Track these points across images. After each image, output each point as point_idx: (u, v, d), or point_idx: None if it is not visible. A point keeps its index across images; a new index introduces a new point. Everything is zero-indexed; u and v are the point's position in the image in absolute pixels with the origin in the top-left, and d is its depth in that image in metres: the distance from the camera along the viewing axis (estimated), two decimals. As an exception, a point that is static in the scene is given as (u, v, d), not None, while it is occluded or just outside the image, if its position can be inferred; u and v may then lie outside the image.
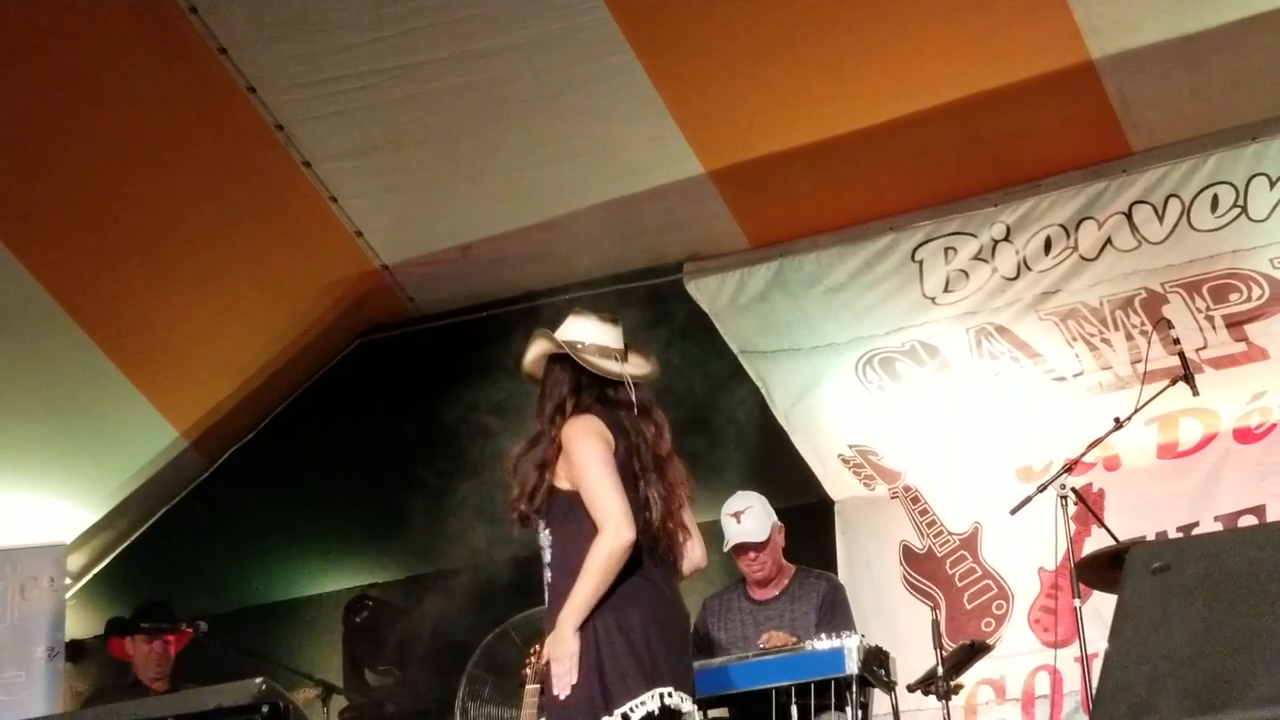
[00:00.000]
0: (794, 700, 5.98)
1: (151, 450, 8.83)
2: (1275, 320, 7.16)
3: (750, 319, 8.02)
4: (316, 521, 9.00)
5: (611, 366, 4.75)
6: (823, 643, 6.04)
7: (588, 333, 4.81)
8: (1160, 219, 7.12)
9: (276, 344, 8.76)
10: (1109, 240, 7.23)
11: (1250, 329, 7.20)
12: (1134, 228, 7.16)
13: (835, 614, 6.49)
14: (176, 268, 8.13)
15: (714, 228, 8.00)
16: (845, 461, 8.07)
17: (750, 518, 6.65)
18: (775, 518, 6.72)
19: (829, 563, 7.79)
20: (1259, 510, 7.15)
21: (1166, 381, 6.62)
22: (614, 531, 4.50)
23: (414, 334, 8.87)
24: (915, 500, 7.99)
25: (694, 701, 4.61)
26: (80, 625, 9.04)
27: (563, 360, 4.79)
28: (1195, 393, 6.56)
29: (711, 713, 6.28)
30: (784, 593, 6.67)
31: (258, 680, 3.50)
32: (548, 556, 4.71)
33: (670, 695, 4.47)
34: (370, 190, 8.07)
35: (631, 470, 4.65)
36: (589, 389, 4.75)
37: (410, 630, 8.27)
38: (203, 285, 8.25)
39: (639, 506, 4.61)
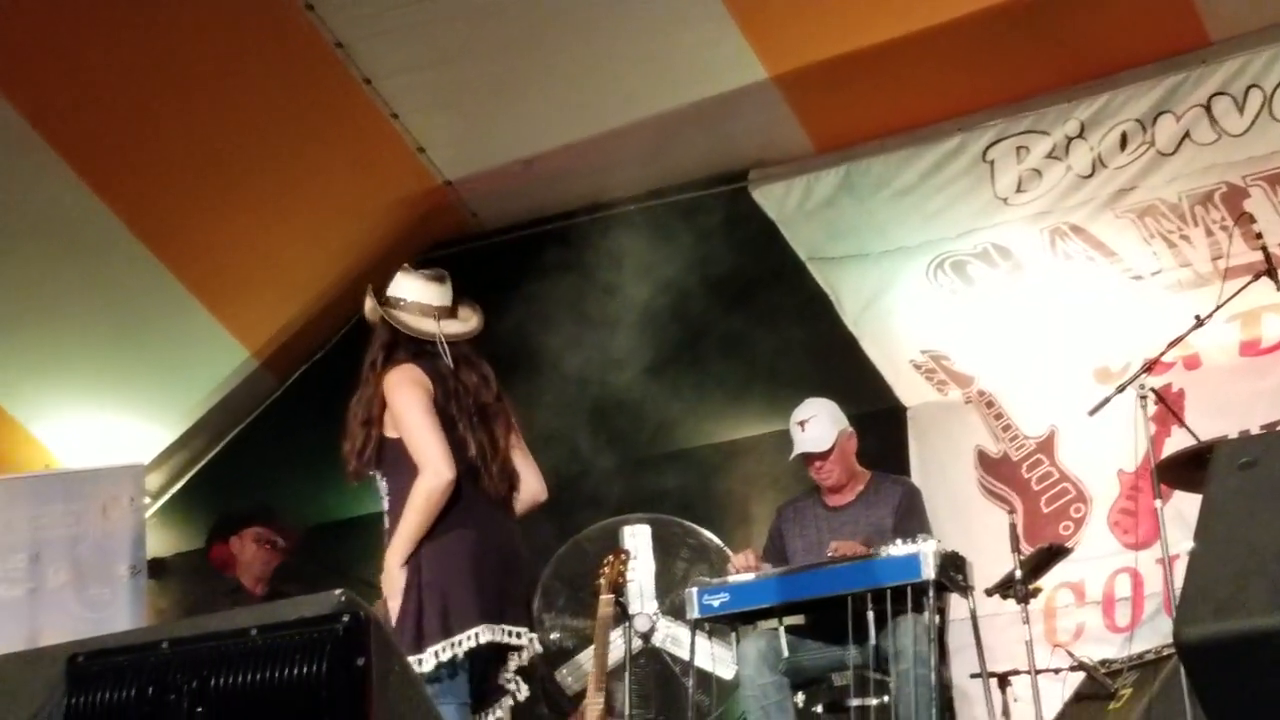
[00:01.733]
0: (870, 606, 5.97)
1: (223, 370, 8.90)
2: (1361, 209, 7.03)
3: (817, 225, 7.96)
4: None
5: (424, 325, 5.05)
6: (899, 548, 6.01)
7: (410, 290, 5.14)
8: (1240, 110, 6.97)
9: (342, 262, 8.77)
10: (1187, 134, 7.09)
11: (1336, 219, 7.06)
12: (1213, 120, 7.01)
13: (911, 519, 6.46)
14: (241, 189, 8.14)
15: (779, 134, 7.93)
16: (917, 367, 8.01)
17: (814, 426, 6.62)
18: (844, 424, 6.68)
19: (902, 468, 7.76)
20: (1346, 407, 7.06)
21: (1248, 277, 6.47)
22: (434, 472, 4.78)
23: (478, 249, 8.86)
24: (990, 404, 7.94)
25: (527, 633, 4.91)
26: (160, 543, 9.16)
27: (383, 318, 5.11)
28: (1279, 287, 6.45)
29: (788, 620, 6.28)
30: (859, 498, 6.64)
31: (337, 592, 3.50)
32: (385, 504, 4.99)
33: (488, 632, 4.74)
34: (431, 106, 8.05)
35: (450, 415, 4.92)
36: (405, 344, 5.07)
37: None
38: (268, 205, 8.27)
39: (460, 448, 4.87)
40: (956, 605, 6.39)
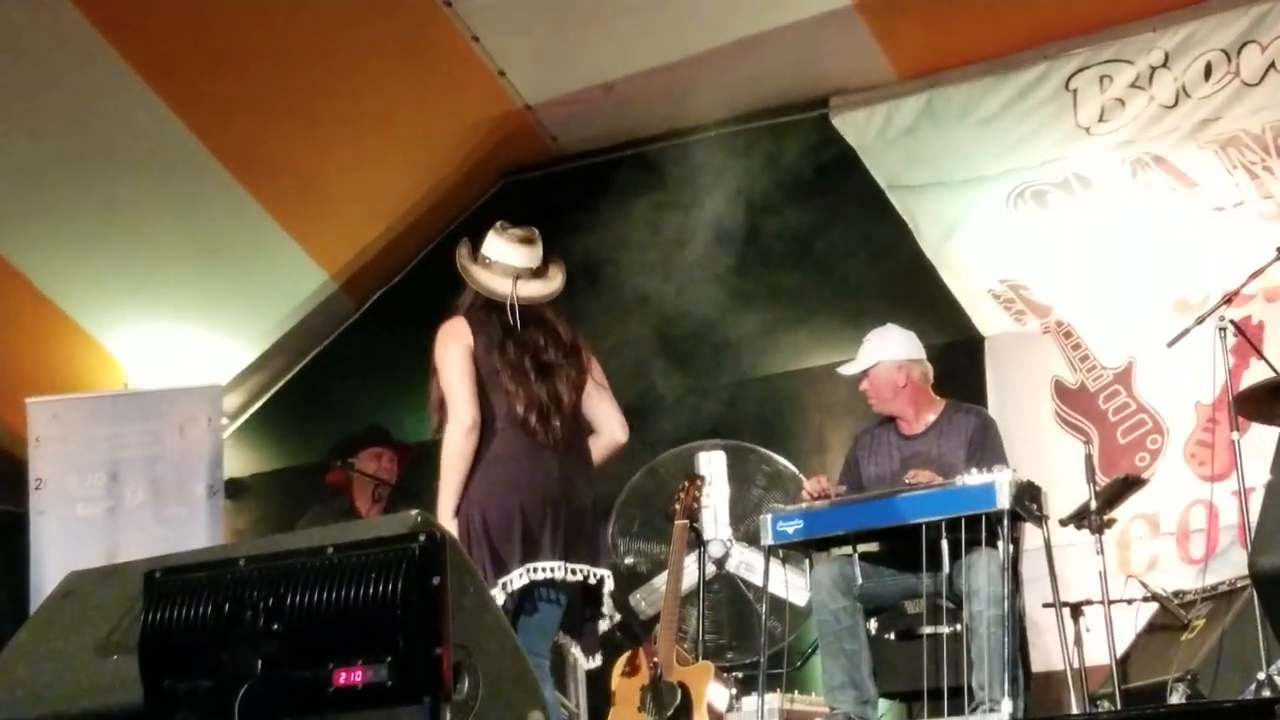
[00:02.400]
0: (944, 535, 5.96)
1: (302, 293, 8.98)
2: None
3: (898, 153, 7.91)
4: (465, 361, 9.10)
5: (498, 286, 5.15)
6: (974, 477, 5.99)
7: (497, 250, 5.21)
8: (1328, 39, 6.88)
9: (421, 186, 8.81)
10: (1272, 64, 6.98)
11: None
12: (1300, 50, 6.93)
13: (986, 449, 6.43)
14: (320, 111, 8.18)
15: (860, 60, 7.87)
16: (995, 296, 7.97)
17: (860, 351, 6.64)
18: (897, 354, 6.59)
19: (979, 398, 7.73)
20: None
21: (1331, 208, 6.43)
22: (455, 421, 4.99)
23: (557, 174, 8.88)
24: (1067, 335, 7.89)
25: (590, 568, 5.00)
26: (237, 464, 9.27)
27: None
28: (1361, 217, 6.38)
29: (861, 547, 6.29)
30: (932, 428, 6.62)
31: (414, 512, 3.55)
32: None
33: (532, 571, 4.86)
34: (512, 29, 8.03)
35: (494, 368, 5.06)
36: (479, 297, 5.19)
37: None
38: (347, 128, 8.30)
39: (507, 400, 5.02)
40: (1031, 535, 6.37)
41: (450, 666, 3.30)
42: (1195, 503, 7.30)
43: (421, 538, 3.31)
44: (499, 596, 4.74)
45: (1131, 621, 6.52)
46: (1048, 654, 6.76)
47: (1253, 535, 4.06)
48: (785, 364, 8.58)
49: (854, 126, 7.96)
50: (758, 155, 7.93)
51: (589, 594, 5.06)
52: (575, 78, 8.32)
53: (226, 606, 3.36)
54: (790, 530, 6.21)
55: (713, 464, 7.38)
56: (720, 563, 7.28)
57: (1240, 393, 6.19)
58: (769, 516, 6.26)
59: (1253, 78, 7.06)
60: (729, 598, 7.48)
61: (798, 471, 7.55)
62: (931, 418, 6.63)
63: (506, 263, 5.19)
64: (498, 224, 5.33)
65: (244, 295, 8.90)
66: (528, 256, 5.23)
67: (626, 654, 6.68)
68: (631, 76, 8.18)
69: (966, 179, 7.80)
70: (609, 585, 5.05)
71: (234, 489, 9.05)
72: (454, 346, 5.10)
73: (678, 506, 6.92)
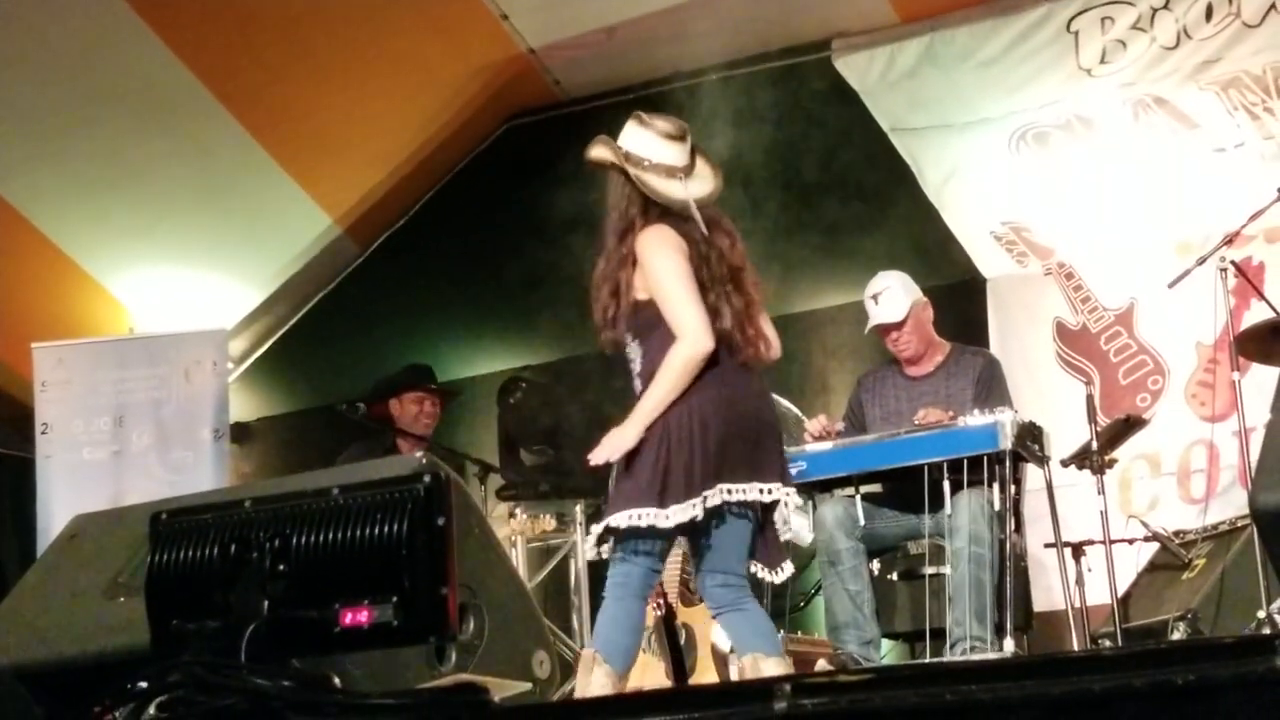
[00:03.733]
0: (946, 475, 6.00)
1: (306, 237, 8.99)
2: None
3: (900, 95, 7.91)
4: (469, 305, 9.14)
5: (675, 193, 4.77)
6: (976, 418, 6.03)
7: (652, 149, 4.80)
8: (1328, -18, 6.88)
9: (425, 130, 8.81)
10: (1274, 5, 6.99)
11: None
12: (1302, -10, 6.93)
13: (992, 390, 6.46)
14: (325, 56, 8.17)
15: (862, 3, 7.88)
16: (998, 238, 7.98)
17: (887, 298, 6.60)
18: (917, 294, 6.65)
19: (981, 339, 7.75)
20: None
21: (1332, 148, 6.44)
22: (693, 341, 4.60)
23: (561, 117, 8.86)
24: (1069, 276, 7.90)
25: (779, 487, 4.72)
26: (243, 408, 9.30)
27: (626, 173, 4.81)
28: (1363, 159, 6.39)
29: (864, 487, 6.33)
30: (939, 369, 6.65)
31: (418, 454, 3.58)
32: (636, 367, 4.80)
33: (720, 494, 4.60)
34: (515, -28, 8.03)
35: (702, 281, 4.70)
36: (655, 204, 4.79)
37: (563, 411, 8.40)
38: (351, 73, 8.29)
39: (713, 316, 4.68)
40: (1033, 475, 6.41)
41: (456, 607, 3.33)
42: (1196, 443, 7.34)
43: (426, 478, 3.32)
44: (691, 512, 4.54)
45: (1133, 561, 6.56)
46: (1050, 593, 6.80)
47: (1253, 474, 4.09)
48: (789, 306, 8.58)
49: (856, 69, 7.95)
50: (761, 98, 7.91)
51: (766, 510, 4.77)
52: (577, 21, 8.31)
53: (233, 548, 3.37)
54: (794, 471, 6.23)
55: (716, 406, 7.38)
56: (723, 504, 7.30)
57: (1241, 333, 6.22)
58: (772, 458, 6.28)
59: (1253, 19, 7.06)
60: (732, 539, 7.50)
61: (800, 414, 7.57)
62: (940, 359, 6.66)
63: (668, 163, 4.79)
64: (638, 115, 4.92)
65: (249, 240, 8.91)
66: (684, 153, 4.84)
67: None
68: (633, 20, 8.17)
69: (968, 121, 7.80)
70: (792, 501, 4.80)
71: (239, 433, 9.09)
72: (676, 256, 4.69)
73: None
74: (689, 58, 8.31)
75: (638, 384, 4.78)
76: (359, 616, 3.23)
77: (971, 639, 5.87)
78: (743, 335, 4.75)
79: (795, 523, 6.89)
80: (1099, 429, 6.37)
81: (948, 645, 5.94)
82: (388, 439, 7.73)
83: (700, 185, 4.84)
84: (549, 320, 8.70)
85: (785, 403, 7.64)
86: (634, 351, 4.80)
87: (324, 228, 8.97)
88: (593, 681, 4.55)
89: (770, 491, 4.68)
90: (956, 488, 6.02)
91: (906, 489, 6.18)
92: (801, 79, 8.03)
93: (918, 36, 7.78)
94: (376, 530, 3.28)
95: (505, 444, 8.25)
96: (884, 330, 6.64)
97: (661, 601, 6.40)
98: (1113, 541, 6.27)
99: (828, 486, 6.43)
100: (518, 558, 7.75)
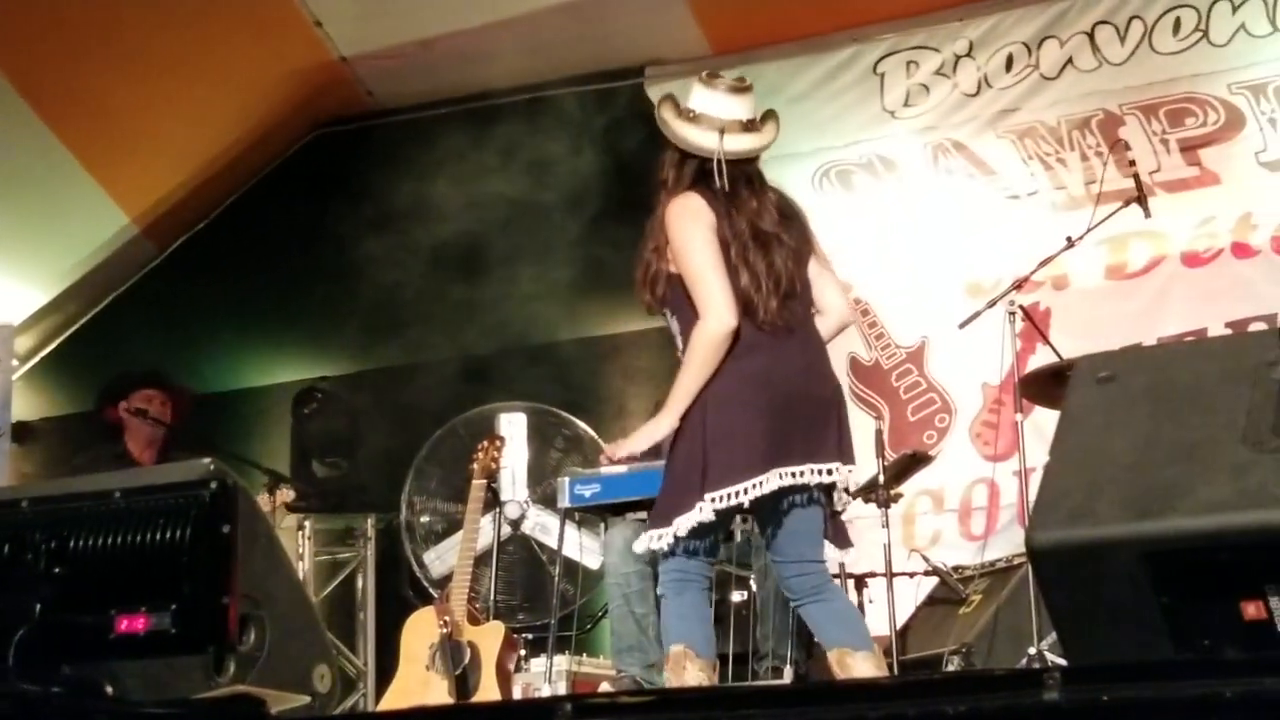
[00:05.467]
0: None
1: (102, 235, 8.78)
2: (1228, 146, 7.23)
3: (709, 126, 7.98)
4: (267, 313, 9.02)
5: (704, 141, 4.55)
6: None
7: (703, 102, 4.60)
8: (1122, 40, 7.16)
9: (232, 133, 8.69)
10: (1070, 60, 7.27)
11: (1204, 154, 7.26)
12: (1095, 48, 7.21)
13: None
14: (133, 52, 8.01)
15: (677, 32, 7.95)
16: (797, 272, 8.09)
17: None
18: None
19: (778, 370, 7.84)
20: (1201, 333, 7.22)
21: (1119, 203, 6.64)
22: (714, 319, 4.41)
23: (371, 128, 8.81)
24: (865, 313, 8.03)
25: (840, 467, 4.51)
26: (26, 407, 9.05)
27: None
28: (1148, 215, 6.59)
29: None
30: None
31: (205, 460, 3.50)
32: (680, 343, 4.61)
33: (776, 478, 4.40)
34: (330, -21, 7.97)
35: (724, 238, 4.50)
36: (689, 163, 4.59)
37: (359, 424, 8.33)
38: (159, 71, 8.15)
39: (731, 275, 4.46)
40: (821, 507, 6.49)
41: (237, 617, 3.28)
42: (978, 481, 7.51)
43: (213, 484, 3.26)
44: (739, 499, 4.33)
45: (913, 594, 6.69)
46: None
47: (1030, 513, 4.20)
48: (591, 329, 8.63)
49: (668, 98, 8.02)
50: (574, 120, 7.95)
51: (827, 489, 4.56)
52: (393, 32, 8.27)
53: (6, 548, 3.27)
54: (587, 494, 6.22)
55: (513, 425, 7.38)
56: (516, 524, 7.29)
57: (1025, 376, 6.39)
58: (566, 479, 6.27)
59: (1051, 71, 7.32)
60: (523, 559, 7.50)
61: (597, 436, 7.60)
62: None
63: (715, 115, 4.56)
64: (704, 74, 4.73)
65: (42, 234, 8.68)
66: (739, 107, 4.61)
67: (417, 612, 6.67)
68: (450, 34, 8.16)
69: (775, 155, 7.72)
70: (849, 482, 4.57)
71: (21, 432, 8.84)
72: (698, 227, 4.47)
73: (476, 466, 6.90)
74: (505, 75, 8.32)
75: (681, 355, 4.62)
76: (135, 623, 3.16)
77: (776, 657, 5.92)
78: (763, 301, 4.47)
79: (587, 545, 6.93)
80: (886, 463, 6.48)
81: (755, 662, 5.98)
82: (120, 444, 7.59)
83: (746, 140, 4.61)
84: (348, 331, 8.64)
85: (582, 425, 7.69)
86: (672, 325, 4.64)
87: (121, 227, 8.78)
88: (688, 679, 4.43)
89: (830, 472, 4.48)
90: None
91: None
92: (614, 104, 8.08)
93: (729, 69, 7.84)
94: (158, 536, 3.22)
95: (298, 455, 8.16)
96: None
97: (446, 620, 6.38)
98: (894, 575, 6.37)
99: (620, 510, 6.43)
100: (305, 570, 7.67)
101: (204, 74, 8.24)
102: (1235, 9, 6.99)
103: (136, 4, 7.78)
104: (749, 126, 4.62)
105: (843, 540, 4.65)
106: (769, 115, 4.72)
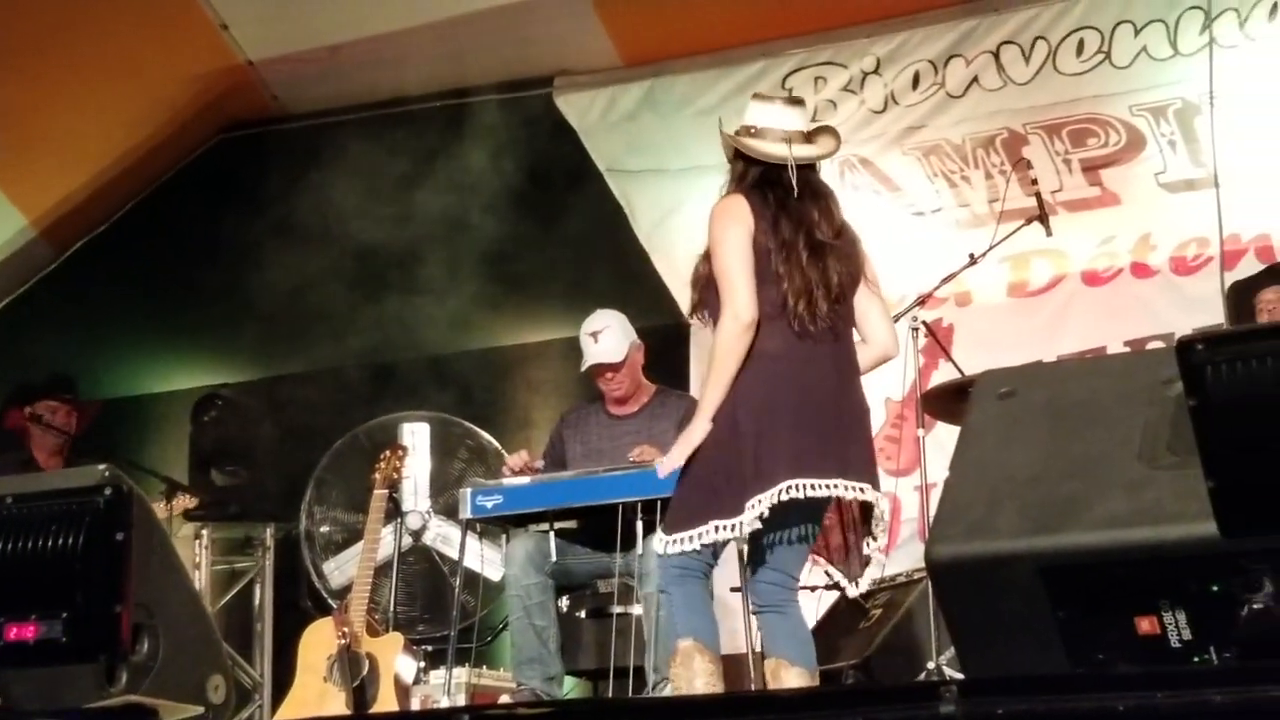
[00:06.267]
0: (640, 516, 6.04)
1: (-1, 237, 8.68)
2: (1129, 166, 7.32)
3: (619, 137, 8.02)
4: (168, 318, 8.91)
5: (775, 149, 4.59)
6: (674, 461, 6.08)
7: (764, 116, 4.66)
8: (1027, 60, 7.24)
9: (134, 136, 8.60)
10: (975, 79, 7.34)
11: (1105, 174, 7.36)
12: (1001, 67, 7.29)
13: (693, 434, 6.53)
14: (33, 53, 7.92)
15: (587, 43, 7.96)
16: (704, 285, 8.11)
17: (607, 337, 6.63)
18: (634, 336, 6.72)
19: (682, 383, 7.86)
20: (1100, 351, 7.29)
21: (1021, 221, 6.72)
22: (732, 315, 4.43)
23: (277, 132, 8.75)
24: (770, 326, 8.07)
25: (871, 489, 4.53)
26: (-82, 408, 8.90)
27: (735, 146, 4.70)
28: (1049, 233, 6.68)
29: (559, 524, 6.35)
30: (643, 409, 6.69)
31: (101, 466, 3.46)
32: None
33: (797, 489, 4.36)
34: (237, -17, 7.91)
35: (768, 247, 4.50)
36: (752, 171, 4.64)
37: (259, 432, 8.26)
38: (60, 72, 8.05)
39: (773, 282, 4.48)
40: (724, 520, 6.49)
41: (130, 626, 3.24)
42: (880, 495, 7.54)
43: (108, 491, 3.24)
44: (759, 509, 4.30)
45: (814, 608, 6.70)
46: (735, 636, 6.90)
47: (930, 528, 4.23)
48: (496, 339, 8.62)
49: (577, 108, 8.04)
50: (481, 129, 7.93)
51: (864, 512, 4.57)
52: (300, 36, 8.22)
53: (-106, 554, 3.23)
54: (489, 505, 6.21)
55: (416, 435, 7.34)
56: (417, 535, 7.25)
57: (928, 391, 6.44)
58: (468, 490, 6.25)
59: (956, 90, 7.40)
60: (424, 570, 7.46)
61: (501, 447, 7.57)
62: (644, 400, 6.70)
63: (779, 127, 4.62)
64: (756, 94, 4.85)
65: (-66, 235, 8.57)
66: (797, 119, 4.69)
67: (315, 622, 6.62)
68: (357, 40, 8.13)
69: (683, 168, 7.93)
70: (884, 508, 4.59)
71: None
72: (734, 229, 4.51)
73: (378, 476, 6.86)
74: (412, 83, 8.30)
75: None
76: (25, 631, 3.13)
77: (662, 680, 5.92)
78: (811, 307, 4.47)
79: (488, 557, 6.90)
80: (789, 477, 6.49)
81: (650, 688, 5.97)
82: (24, 451, 7.50)
83: (808, 148, 4.65)
84: (250, 338, 8.57)
85: (486, 436, 7.66)
86: (709, 329, 4.67)
87: (18, 228, 8.65)
88: (696, 671, 4.42)
89: (862, 490, 4.49)
90: (650, 529, 6.06)
91: (600, 527, 6.19)
92: (523, 113, 8.06)
93: (640, 80, 7.90)
94: (50, 542, 3.18)
95: (196, 462, 8.08)
96: (599, 369, 6.66)
97: (344, 631, 6.33)
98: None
99: (522, 521, 6.42)
100: (202, 580, 7.59)
101: (108, 75, 8.16)
102: (1138, 32, 7.08)
103: (38, 5, 7.68)
104: (809, 138, 4.66)
105: (855, 572, 4.69)
106: (827, 129, 4.78)
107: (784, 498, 4.35)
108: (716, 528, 4.41)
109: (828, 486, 4.40)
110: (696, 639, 4.50)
